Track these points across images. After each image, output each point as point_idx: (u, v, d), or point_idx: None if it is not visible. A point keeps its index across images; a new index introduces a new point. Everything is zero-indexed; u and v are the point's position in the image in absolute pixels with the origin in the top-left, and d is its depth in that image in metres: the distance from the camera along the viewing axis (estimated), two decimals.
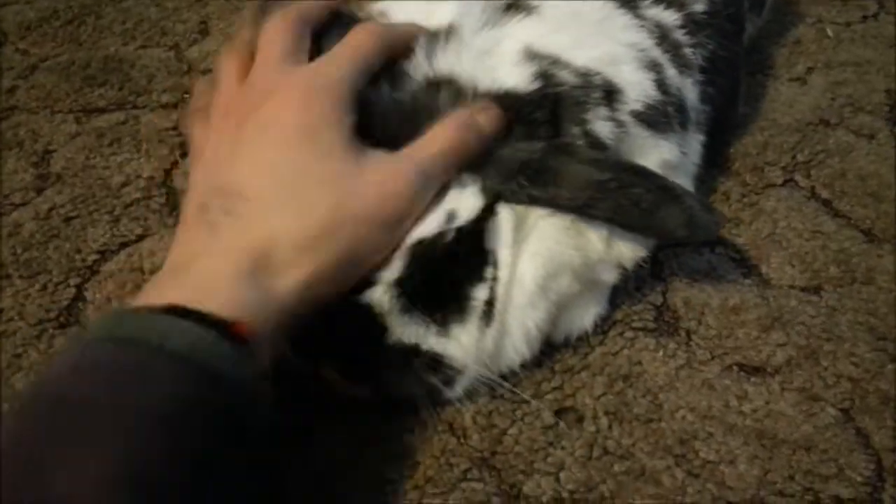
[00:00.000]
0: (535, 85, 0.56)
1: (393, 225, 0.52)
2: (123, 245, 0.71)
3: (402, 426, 0.57)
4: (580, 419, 0.58)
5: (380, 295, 0.53)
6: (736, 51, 0.80)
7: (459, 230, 0.54)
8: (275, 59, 0.54)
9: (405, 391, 0.56)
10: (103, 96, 0.90)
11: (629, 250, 0.62)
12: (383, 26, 0.59)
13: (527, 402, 0.59)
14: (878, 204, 0.78)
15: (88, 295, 0.66)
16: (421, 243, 0.53)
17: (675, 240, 0.65)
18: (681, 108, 0.67)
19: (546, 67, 0.57)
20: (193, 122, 0.59)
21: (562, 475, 0.55)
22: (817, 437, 0.58)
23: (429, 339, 0.55)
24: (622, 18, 0.64)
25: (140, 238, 0.72)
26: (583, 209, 0.55)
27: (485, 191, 0.55)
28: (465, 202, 0.55)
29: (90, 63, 0.96)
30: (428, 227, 0.54)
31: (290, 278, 0.48)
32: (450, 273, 0.55)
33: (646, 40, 0.65)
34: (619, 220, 0.56)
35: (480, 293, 0.56)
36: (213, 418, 0.41)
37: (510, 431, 0.57)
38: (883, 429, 0.58)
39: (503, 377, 0.59)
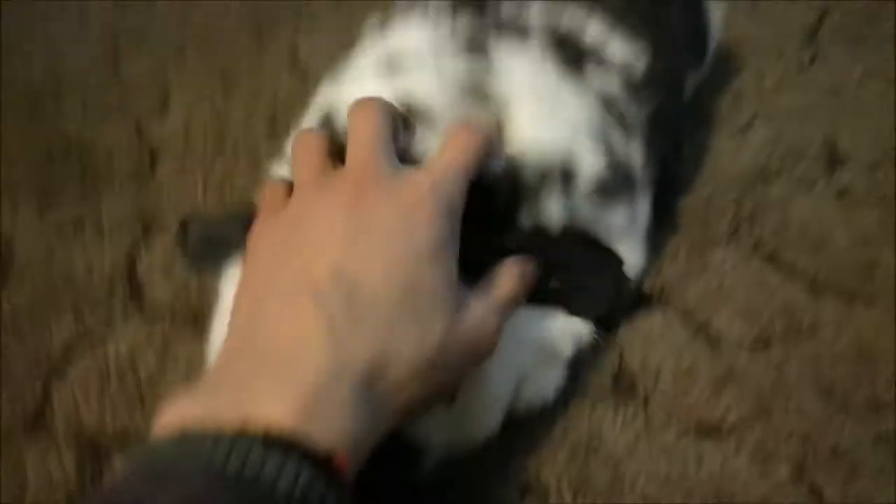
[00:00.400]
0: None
1: (479, 363, 0.52)
2: (88, 342, 0.72)
3: None
4: (545, 496, 0.60)
5: None
6: (677, 108, 0.83)
7: None
8: (377, 148, 0.51)
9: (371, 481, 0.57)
10: (64, 183, 0.91)
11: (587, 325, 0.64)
12: (481, 125, 0.56)
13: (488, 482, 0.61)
14: (820, 253, 0.81)
15: (54, 397, 0.67)
16: None
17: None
18: (627, 171, 0.69)
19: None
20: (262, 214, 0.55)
21: None
22: (773, 496, 0.60)
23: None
24: (568, 87, 0.67)
25: (105, 333, 0.72)
26: None
27: None
28: None
29: (50, 148, 0.97)
30: None
31: (399, 401, 0.45)
32: None
33: (593, 110, 0.67)
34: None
35: None
36: None
37: None
38: (834, 483, 0.61)
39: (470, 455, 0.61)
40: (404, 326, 0.45)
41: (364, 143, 0.51)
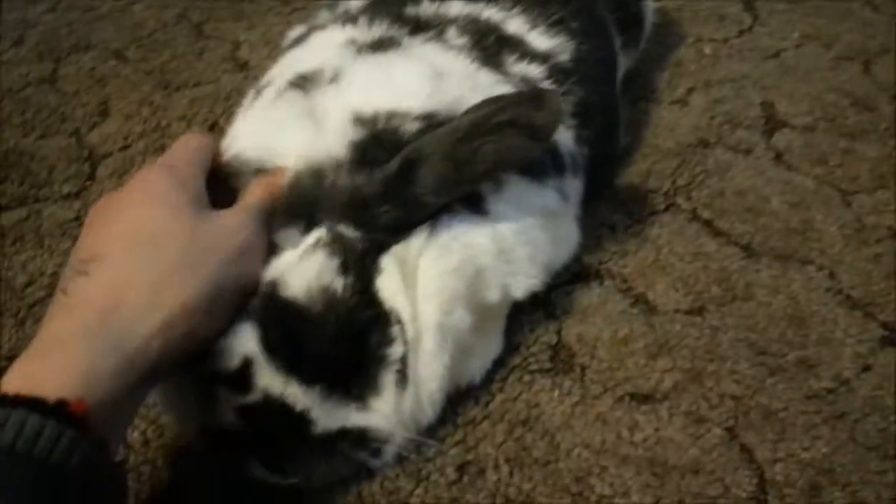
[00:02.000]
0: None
1: (244, 255, 0.55)
2: None
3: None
4: (482, 471, 0.61)
5: (295, 390, 0.54)
6: (608, 92, 0.84)
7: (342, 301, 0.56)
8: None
9: (334, 473, 0.58)
10: (4, 193, 0.91)
11: (519, 273, 0.64)
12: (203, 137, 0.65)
13: (430, 460, 0.61)
14: (756, 218, 0.82)
15: None
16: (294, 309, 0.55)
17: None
18: (555, 154, 0.70)
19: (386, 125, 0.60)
20: None
21: None
22: (704, 458, 0.61)
23: (351, 418, 0.57)
24: (486, 76, 0.67)
25: None
26: (455, 186, 0.57)
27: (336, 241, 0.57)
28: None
29: None
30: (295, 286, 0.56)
31: (145, 327, 0.49)
32: (358, 345, 0.57)
33: (505, 86, 0.67)
34: (493, 168, 0.57)
35: (393, 355, 0.57)
36: None
37: (416, 492, 0.60)
38: (765, 442, 0.62)
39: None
40: (133, 260, 0.51)
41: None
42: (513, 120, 0.55)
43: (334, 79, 0.63)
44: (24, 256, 0.82)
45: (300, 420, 0.54)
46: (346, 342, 0.56)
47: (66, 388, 0.44)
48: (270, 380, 0.54)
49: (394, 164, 0.56)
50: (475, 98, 0.61)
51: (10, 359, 0.70)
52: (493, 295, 0.63)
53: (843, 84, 1.02)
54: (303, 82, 0.64)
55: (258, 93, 0.70)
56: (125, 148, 0.97)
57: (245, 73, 1.10)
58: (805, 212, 0.83)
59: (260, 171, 0.61)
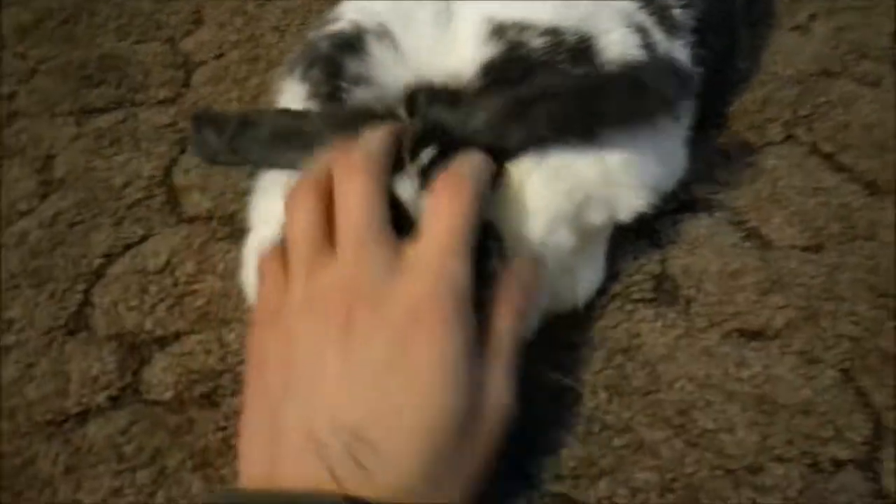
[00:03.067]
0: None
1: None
2: (127, 247, 0.72)
3: None
4: (579, 395, 0.59)
5: None
6: (729, 8, 0.78)
7: None
8: (364, 236, 0.47)
9: None
10: (101, 96, 0.91)
11: (624, 196, 0.61)
12: (472, 175, 0.51)
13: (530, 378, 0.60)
14: (883, 154, 0.76)
15: (96, 300, 0.68)
16: None
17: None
18: (673, 71, 0.66)
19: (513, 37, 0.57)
20: (261, 277, 0.53)
21: (563, 452, 0.56)
22: (816, 399, 0.58)
23: None
24: None
25: (143, 239, 0.73)
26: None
27: None
28: None
29: (87, 63, 0.96)
30: None
31: None
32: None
33: (630, 3, 0.64)
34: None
35: (488, 268, 0.54)
36: None
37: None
38: (883, 387, 0.58)
39: None
40: (411, 461, 0.42)
41: (353, 243, 0.47)
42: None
43: None
44: (121, 158, 0.82)
45: None
46: None
47: None
48: None
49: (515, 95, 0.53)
50: (603, 18, 0.58)
51: (107, 257, 0.72)
52: (597, 217, 0.60)
53: None
54: None
55: None
56: (219, 56, 0.96)
57: None
58: None
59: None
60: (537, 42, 0.57)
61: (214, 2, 1.07)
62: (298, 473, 0.42)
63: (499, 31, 0.57)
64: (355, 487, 0.41)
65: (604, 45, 0.60)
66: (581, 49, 0.58)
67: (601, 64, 0.59)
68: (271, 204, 0.59)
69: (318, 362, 0.45)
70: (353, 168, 0.49)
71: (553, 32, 0.58)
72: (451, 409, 0.44)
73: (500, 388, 0.48)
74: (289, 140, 0.55)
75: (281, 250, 0.52)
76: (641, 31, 0.62)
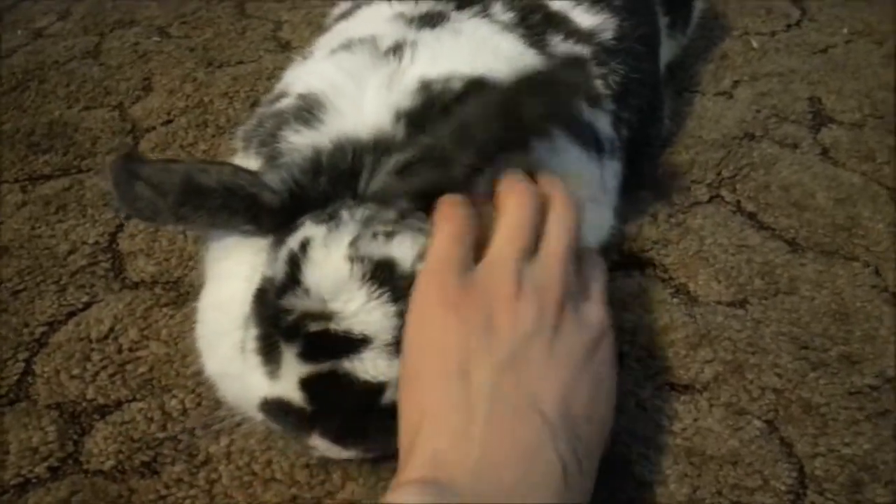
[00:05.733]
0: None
1: None
2: (71, 315, 0.73)
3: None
4: None
5: (372, 359, 0.50)
6: (651, 70, 0.83)
7: None
8: (567, 256, 0.53)
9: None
10: (48, 163, 0.92)
11: None
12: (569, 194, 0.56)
13: None
14: (801, 213, 0.81)
15: (37, 369, 0.68)
16: None
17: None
18: (595, 139, 0.69)
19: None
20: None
21: None
22: (743, 450, 0.60)
23: None
24: (532, 57, 0.67)
25: (87, 306, 0.73)
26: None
27: None
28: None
29: (35, 130, 0.97)
30: None
31: None
32: None
33: None
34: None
35: None
36: None
37: None
38: (805, 437, 0.61)
39: None
40: (595, 463, 0.49)
41: (560, 256, 0.52)
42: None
43: (394, 49, 0.62)
44: (66, 225, 0.83)
45: (370, 391, 0.50)
46: None
47: None
48: (346, 350, 0.50)
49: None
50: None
51: (50, 325, 0.72)
52: None
53: (893, 81, 1.00)
54: (355, 44, 0.63)
55: (305, 57, 0.70)
56: (168, 122, 0.98)
57: (287, 53, 1.11)
58: (851, 208, 0.81)
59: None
60: (457, 85, 0.58)
61: (164, 68, 1.09)
62: (528, 446, 0.44)
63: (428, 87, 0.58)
64: (573, 486, 0.44)
65: None
66: None
67: None
68: (226, 262, 0.59)
69: (527, 344, 0.48)
70: (567, 203, 0.55)
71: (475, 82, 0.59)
72: (611, 419, 0.52)
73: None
74: (240, 209, 0.53)
75: (472, 213, 0.52)
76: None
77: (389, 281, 0.50)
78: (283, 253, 0.51)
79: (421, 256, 0.51)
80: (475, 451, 0.43)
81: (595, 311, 0.53)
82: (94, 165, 0.91)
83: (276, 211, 0.53)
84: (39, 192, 0.87)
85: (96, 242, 0.80)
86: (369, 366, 0.50)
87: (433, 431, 0.45)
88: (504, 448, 0.44)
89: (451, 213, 0.51)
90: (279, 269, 0.51)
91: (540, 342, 0.48)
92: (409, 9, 0.69)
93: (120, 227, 0.82)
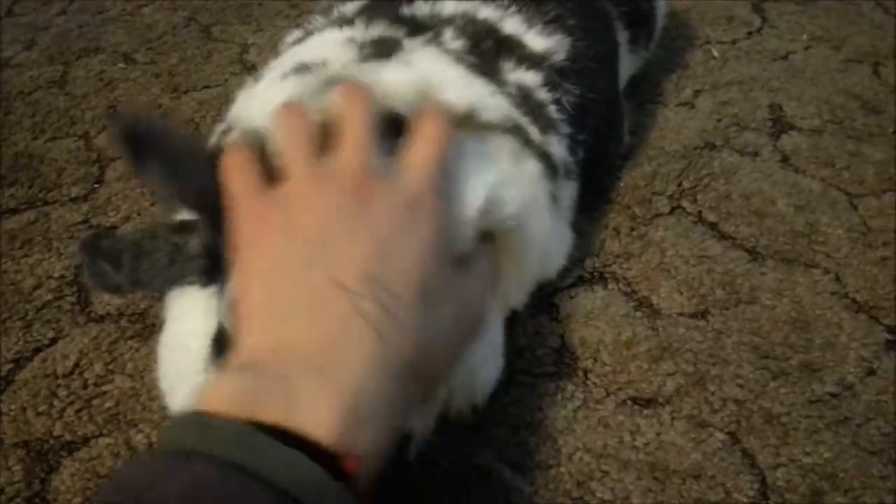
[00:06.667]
0: None
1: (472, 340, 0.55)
2: (37, 350, 0.73)
3: None
4: (486, 474, 0.61)
5: None
6: (608, 88, 0.83)
7: None
8: (369, 145, 0.52)
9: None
10: (14, 196, 0.92)
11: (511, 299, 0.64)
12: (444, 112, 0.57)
13: (437, 465, 0.61)
14: (762, 221, 0.82)
15: (3, 407, 0.67)
16: None
17: None
18: (549, 165, 0.69)
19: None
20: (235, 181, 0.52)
21: None
22: (706, 463, 0.61)
23: None
24: (482, 87, 0.67)
25: (53, 341, 0.73)
26: None
27: None
28: None
29: (0, 162, 0.97)
30: None
31: (435, 391, 0.49)
32: None
33: (505, 106, 0.66)
34: None
35: None
36: None
37: (418, 496, 0.60)
38: (767, 447, 0.62)
39: None
40: (429, 322, 0.47)
41: (358, 140, 0.52)
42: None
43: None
44: (32, 259, 0.82)
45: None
46: None
47: (346, 444, 0.40)
48: None
49: None
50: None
51: (16, 361, 0.72)
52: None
53: (851, 87, 1.01)
54: (306, 69, 0.64)
55: (256, 80, 0.70)
56: None
57: (251, 77, 1.11)
58: (811, 215, 0.83)
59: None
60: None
61: (130, 95, 1.09)
62: (330, 320, 0.44)
63: None
64: (386, 335, 0.44)
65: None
66: None
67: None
68: (182, 299, 0.59)
69: (335, 229, 0.48)
70: (357, 96, 0.54)
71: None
72: (448, 281, 0.50)
73: (475, 291, 0.54)
74: (187, 261, 0.54)
75: (250, 156, 0.53)
76: (517, 129, 0.65)
77: None
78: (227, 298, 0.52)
79: None
80: (286, 336, 0.44)
81: (415, 175, 0.52)
82: (59, 197, 0.91)
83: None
84: (5, 227, 0.87)
85: (62, 276, 0.80)
86: None
87: (248, 327, 0.46)
88: (311, 331, 0.44)
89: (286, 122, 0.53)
90: (225, 316, 0.52)
91: (342, 223, 0.48)
92: (360, 34, 0.69)
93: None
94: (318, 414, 0.40)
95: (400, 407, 0.45)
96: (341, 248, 0.47)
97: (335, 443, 0.39)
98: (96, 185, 0.93)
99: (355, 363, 0.43)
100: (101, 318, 0.75)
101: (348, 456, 0.39)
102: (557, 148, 0.69)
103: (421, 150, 0.53)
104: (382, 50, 0.66)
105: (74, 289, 0.79)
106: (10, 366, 0.71)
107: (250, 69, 1.14)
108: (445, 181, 0.53)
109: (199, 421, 0.39)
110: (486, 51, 0.69)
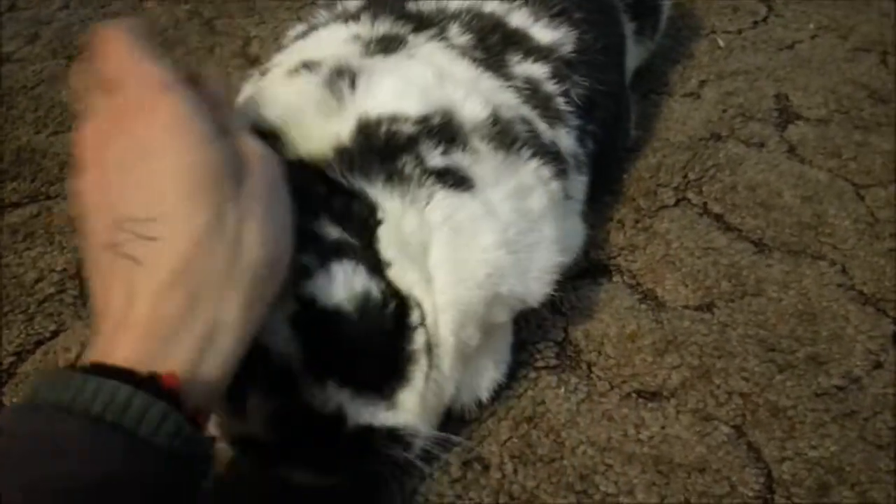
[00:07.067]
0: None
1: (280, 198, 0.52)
2: (39, 343, 0.72)
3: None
4: (487, 468, 0.61)
5: (329, 391, 0.54)
6: (615, 80, 0.82)
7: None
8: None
9: (370, 469, 0.57)
10: (16, 190, 0.91)
11: (533, 290, 0.63)
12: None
13: (436, 457, 0.61)
14: (768, 213, 0.81)
15: (6, 399, 0.67)
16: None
17: None
18: (557, 157, 0.69)
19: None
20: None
21: None
22: (710, 457, 0.60)
23: (379, 414, 0.56)
24: (488, 81, 0.66)
25: (55, 334, 0.73)
26: None
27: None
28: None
29: (2, 156, 0.97)
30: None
31: (225, 297, 0.46)
32: (389, 342, 0.56)
33: (513, 100, 0.66)
34: None
35: (417, 344, 0.57)
36: (132, 483, 0.40)
37: (420, 489, 0.60)
38: (773, 441, 0.61)
39: None
40: (197, 220, 0.46)
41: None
42: None
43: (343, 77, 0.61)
44: (34, 253, 0.82)
45: (335, 420, 0.54)
46: (379, 341, 0.56)
47: (157, 364, 0.43)
48: (306, 384, 0.54)
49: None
50: (474, 102, 0.61)
51: (18, 354, 0.71)
52: (503, 314, 0.63)
53: (858, 76, 1.00)
54: (315, 65, 0.63)
55: (262, 74, 0.70)
56: None
57: (256, 69, 1.10)
58: (818, 206, 0.82)
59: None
60: (407, 128, 0.58)
61: None
62: (111, 282, 0.46)
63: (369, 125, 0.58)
64: (154, 259, 0.45)
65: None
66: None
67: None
68: None
69: (100, 186, 0.49)
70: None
71: (423, 120, 0.59)
72: (200, 174, 0.47)
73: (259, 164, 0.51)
74: None
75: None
76: (525, 122, 0.65)
77: None
78: None
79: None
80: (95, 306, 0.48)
81: (145, 87, 0.49)
82: (61, 191, 0.91)
83: None
84: (7, 221, 0.87)
85: (63, 270, 0.80)
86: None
87: None
88: (99, 294, 0.48)
89: None
90: None
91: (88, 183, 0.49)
92: (366, 31, 0.69)
93: None
94: (120, 349, 0.43)
95: (202, 313, 0.45)
96: (100, 204, 0.48)
97: (139, 364, 0.42)
98: None
99: (124, 297, 0.45)
100: None
101: (164, 375, 0.42)
102: (567, 140, 0.69)
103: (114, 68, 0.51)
104: (388, 47, 0.66)
105: (76, 282, 0.78)
106: (11, 358, 0.71)
107: (253, 62, 1.13)
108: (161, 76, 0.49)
109: (41, 376, 0.46)
110: (493, 45, 0.69)
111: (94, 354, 0.44)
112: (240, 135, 0.51)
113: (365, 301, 0.55)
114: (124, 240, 0.46)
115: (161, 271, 0.45)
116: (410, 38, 0.68)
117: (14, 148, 0.99)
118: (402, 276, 0.57)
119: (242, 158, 0.49)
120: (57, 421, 0.40)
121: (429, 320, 0.58)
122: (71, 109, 1.05)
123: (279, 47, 1.11)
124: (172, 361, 0.44)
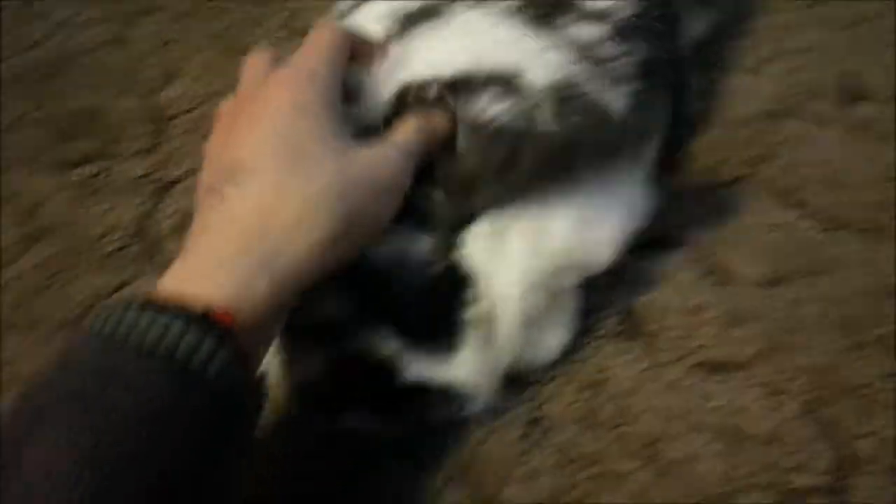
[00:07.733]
0: None
1: (388, 193, 0.54)
2: (106, 297, 0.74)
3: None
4: (550, 428, 0.61)
5: (381, 340, 0.55)
6: (673, 49, 0.81)
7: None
8: (261, 66, 0.60)
9: (427, 423, 0.59)
10: (77, 149, 0.93)
11: (599, 251, 0.64)
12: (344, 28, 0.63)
13: (499, 415, 0.61)
14: (837, 190, 0.79)
15: None
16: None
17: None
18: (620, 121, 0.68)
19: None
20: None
21: (535, 484, 0.57)
22: (780, 430, 0.59)
23: (436, 370, 0.57)
24: (533, 42, 0.65)
25: (118, 288, 0.74)
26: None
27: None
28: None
29: (64, 117, 0.98)
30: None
31: (294, 249, 0.48)
32: (447, 302, 0.57)
33: (562, 56, 0.65)
34: None
35: (479, 300, 0.58)
36: (182, 415, 0.41)
37: (484, 446, 0.60)
38: (845, 419, 0.60)
39: None
40: (286, 177, 0.49)
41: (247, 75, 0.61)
42: None
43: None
44: (98, 209, 0.84)
45: (390, 368, 0.55)
46: (438, 296, 0.56)
47: (215, 300, 0.44)
48: (363, 331, 0.55)
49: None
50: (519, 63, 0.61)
51: (90, 307, 0.73)
52: (570, 279, 0.63)
53: None
54: None
55: None
56: (192, 109, 0.99)
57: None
58: (887, 185, 0.80)
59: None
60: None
61: (188, 57, 1.09)
62: (198, 221, 0.51)
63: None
64: (237, 204, 0.49)
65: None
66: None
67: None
68: None
69: (214, 144, 0.57)
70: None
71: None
72: (313, 143, 0.51)
73: (379, 154, 0.54)
74: None
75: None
76: (576, 83, 0.64)
77: None
78: None
79: None
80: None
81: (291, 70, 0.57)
82: (122, 151, 0.92)
83: None
84: (71, 178, 0.88)
85: (127, 227, 0.81)
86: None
87: None
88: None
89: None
90: None
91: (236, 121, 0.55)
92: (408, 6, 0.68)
93: (150, 211, 0.83)
94: (170, 283, 0.47)
95: (263, 256, 0.47)
96: (210, 158, 0.56)
97: (184, 299, 0.44)
98: (157, 142, 0.93)
99: (200, 229, 0.50)
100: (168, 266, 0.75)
101: (219, 310, 0.44)
102: (621, 102, 0.67)
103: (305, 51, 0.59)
104: (425, 17, 0.65)
105: (137, 239, 0.80)
106: (78, 310, 0.73)
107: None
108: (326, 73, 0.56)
109: (104, 308, 0.45)
110: (541, 4, 0.68)
111: (160, 284, 0.47)
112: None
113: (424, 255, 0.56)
114: (219, 181, 0.50)
115: (237, 218, 0.48)
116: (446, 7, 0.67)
117: (75, 109, 1.00)
118: (478, 251, 0.58)
119: (373, 164, 0.53)
120: (110, 354, 0.42)
121: (494, 281, 0.58)
122: (128, 73, 1.06)
123: (326, 20, 1.11)
124: (224, 300, 0.45)
